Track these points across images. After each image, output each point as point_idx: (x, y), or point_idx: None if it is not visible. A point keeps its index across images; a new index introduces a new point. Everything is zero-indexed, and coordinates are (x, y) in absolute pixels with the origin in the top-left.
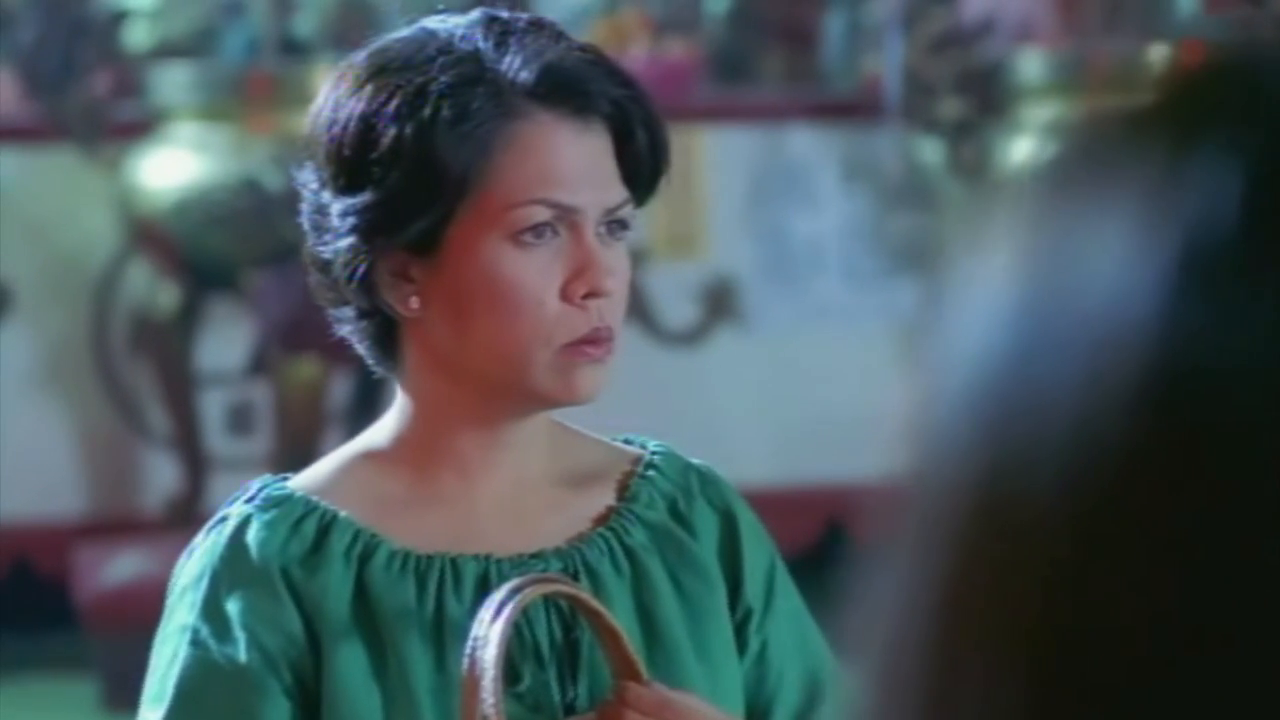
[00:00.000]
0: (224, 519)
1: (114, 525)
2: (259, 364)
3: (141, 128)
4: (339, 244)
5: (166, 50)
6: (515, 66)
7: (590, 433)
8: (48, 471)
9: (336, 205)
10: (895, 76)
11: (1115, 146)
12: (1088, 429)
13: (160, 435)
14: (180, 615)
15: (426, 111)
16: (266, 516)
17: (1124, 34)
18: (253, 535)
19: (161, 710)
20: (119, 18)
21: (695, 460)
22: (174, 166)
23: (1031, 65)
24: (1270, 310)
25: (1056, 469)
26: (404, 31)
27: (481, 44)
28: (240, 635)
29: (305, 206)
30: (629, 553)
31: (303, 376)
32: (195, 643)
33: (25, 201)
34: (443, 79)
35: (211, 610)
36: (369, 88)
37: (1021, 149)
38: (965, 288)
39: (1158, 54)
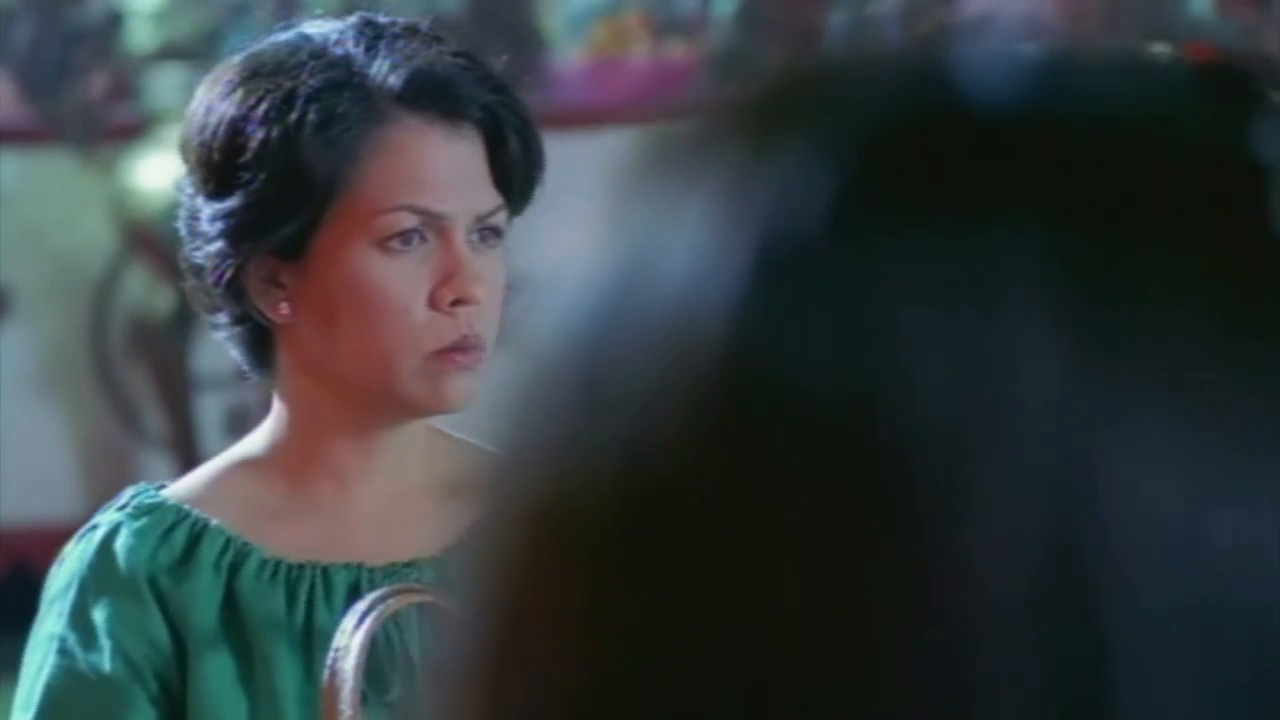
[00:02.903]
0: (94, 527)
1: None
2: None
3: (137, 130)
4: (209, 249)
5: (170, 53)
6: (384, 71)
7: (471, 439)
8: (46, 474)
9: (206, 210)
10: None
11: (706, 139)
12: (650, 433)
13: (157, 438)
14: (49, 624)
15: (294, 116)
16: (136, 525)
17: (1126, 34)
18: (121, 543)
19: (28, 718)
20: (116, 20)
21: None
22: (170, 169)
23: None
24: (843, 323)
25: (614, 475)
26: (281, 35)
27: (352, 49)
28: (106, 644)
29: (182, 212)
30: None
31: None
32: (62, 651)
33: (22, 204)
34: (311, 83)
35: (78, 619)
36: (239, 92)
37: None
38: (561, 268)
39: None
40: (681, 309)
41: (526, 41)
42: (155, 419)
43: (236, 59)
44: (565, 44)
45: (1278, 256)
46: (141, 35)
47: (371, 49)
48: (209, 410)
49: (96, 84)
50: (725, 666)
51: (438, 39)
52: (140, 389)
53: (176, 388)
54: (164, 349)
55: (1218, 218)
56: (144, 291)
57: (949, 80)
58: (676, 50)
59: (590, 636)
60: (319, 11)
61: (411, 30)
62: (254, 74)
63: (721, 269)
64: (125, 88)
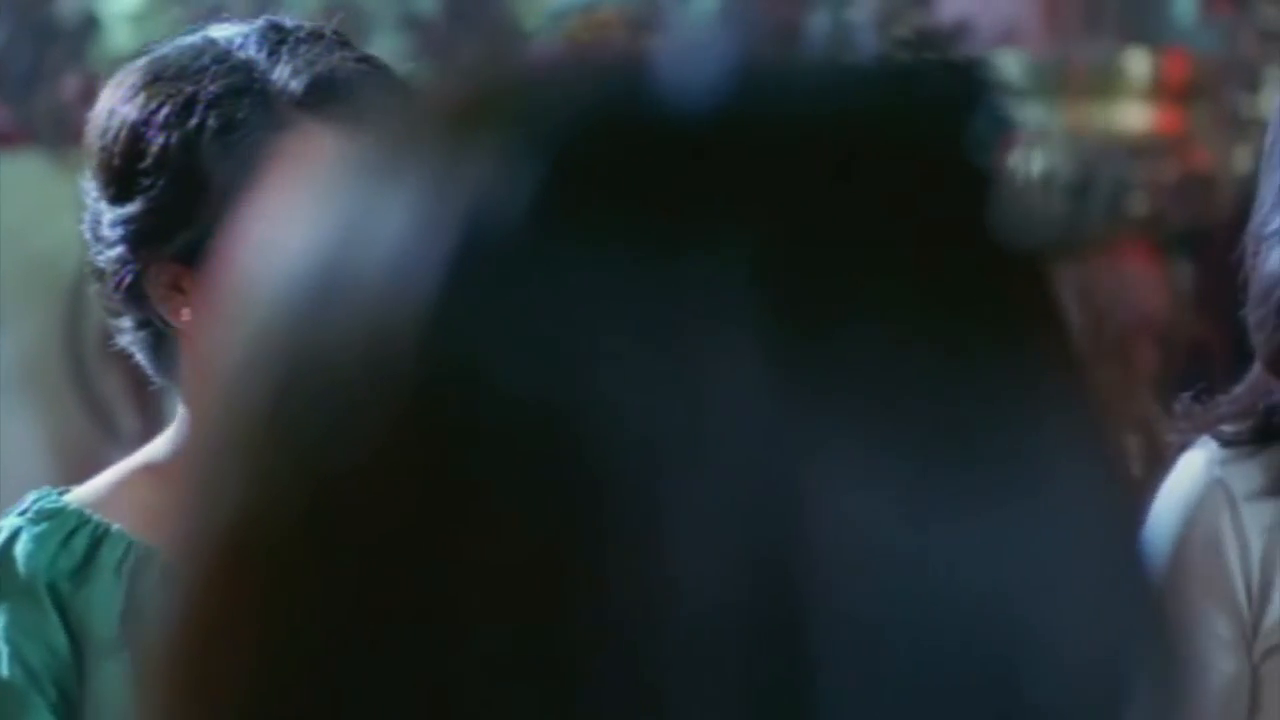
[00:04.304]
0: None
1: None
2: None
3: None
4: (109, 254)
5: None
6: (285, 76)
7: None
8: (20, 474)
9: (108, 215)
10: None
11: (414, 132)
12: (347, 418)
13: (132, 438)
14: None
15: (193, 122)
16: (37, 530)
17: (1106, 38)
18: (21, 548)
19: None
20: (90, 23)
21: None
22: None
23: (1009, 69)
24: (537, 339)
25: (302, 487)
26: (186, 38)
27: (254, 53)
28: (4, 650)
29: (86, 215)
30: None
31: None
32: None
33: None
34: (212, 89)
35: None
36: (141, 96)
37: None
38: (269, 240)
39: (1138, 59)
40: (375, 316)
41: (503, 37)
42: (129, 420)
43: (140, 61)
44: (542, 40)
45: (995, 266)
46: (118, 37)
47: (274, 54)
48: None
49: (70, 86)
50: (409, 693)
51: (343, 44)
52: (115, 390)
53: (151, 389)
54: None
55: (929, 230)
56: None
57: (649, 85)
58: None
59: (264, 662)
60: (291, 13)
61: (317, 35)
62: (156, 78)
63: (417, 274)
64: (99, 90)
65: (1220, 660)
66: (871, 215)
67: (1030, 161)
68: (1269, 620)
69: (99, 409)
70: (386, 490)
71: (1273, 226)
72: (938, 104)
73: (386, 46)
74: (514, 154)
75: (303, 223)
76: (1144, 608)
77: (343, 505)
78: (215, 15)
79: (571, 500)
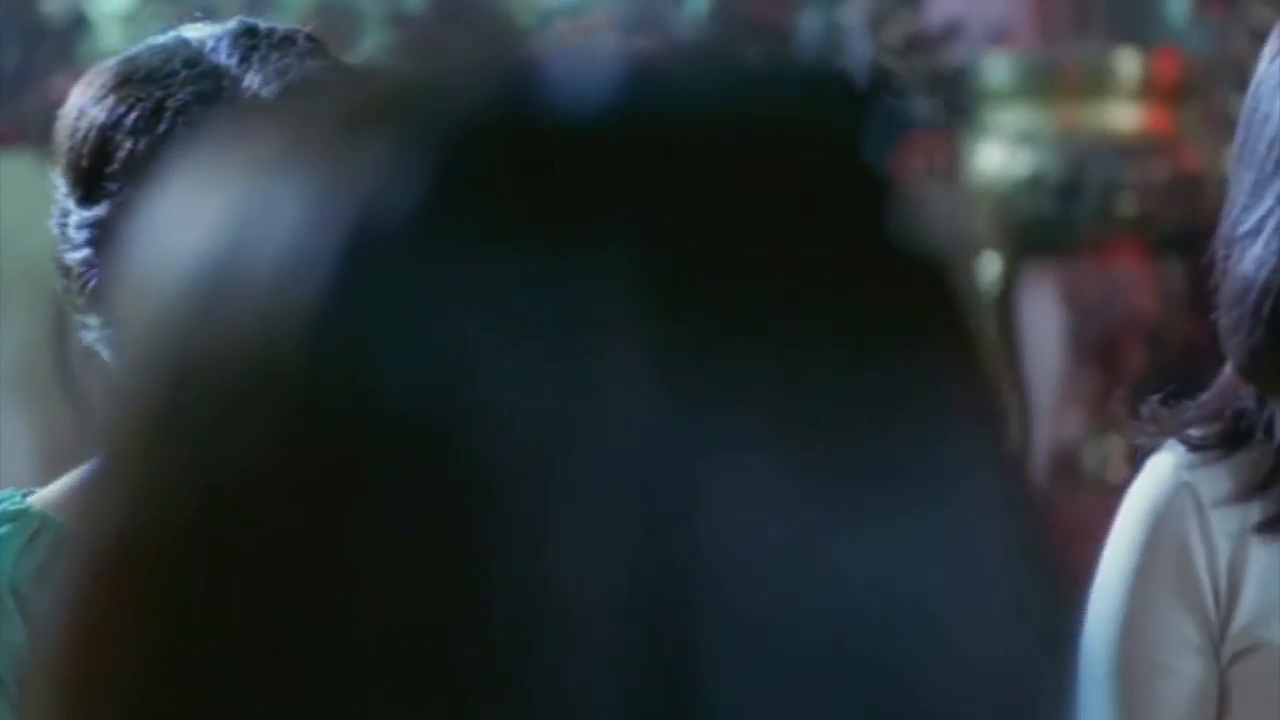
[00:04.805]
0: None
1: None
2: None
3: None
4: (75, 255)
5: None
6: (256, 85)
7: None
8: (8, 472)
9: (75, 216)
10: (861, 79)
11: (309, 128)
12: (234, 420)
13: None
14: None
15: (162, 128)
16: (0, 531)
17: (1096, 38)
18: None
19: None
20: (79, 22)
21: None
22: None
23: (999, 69)
24: (425, 341)
25: (188, 493)
26: (159, 39)
27: (225, 59)
28: None
29: (55, 211)
30: None
31: None
32: None
33: None
34: (181, 95)
35: None
36: (111, 99)
37: (990, 153)
38: (163, 238)
39: (1128, 59)
40: (262, 317)
41: (493, 36)
42: None
43: (111, 62)
44: (532, 40)
45: (894, 272)
46: (109, 37)
47: (245, 60)
48: None
49: (60, 86)
50: (292, 697)
51: (315, 51)
52: (101, 391)
53: None
54: None
55: (824, 234)
56: None
57: (541, 87)
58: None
59: (144, 664)
60: (281, 11)
61: (289, 40)
62: (126, 80)
63: (304, 275)
64: None
65: (1188, 664)
66: (765, 220)
67: (933, 167)
68: (1236, 625)
69: (86, 408)
70: (271, 494)
71: (1245, 227)
72: (834, 108)
73: (375, 43)
74: (403, 154)
75: (196, 221)
76: (1048, 621)
77: (229, 508)
78: (206, 15)
79: (457, 505)
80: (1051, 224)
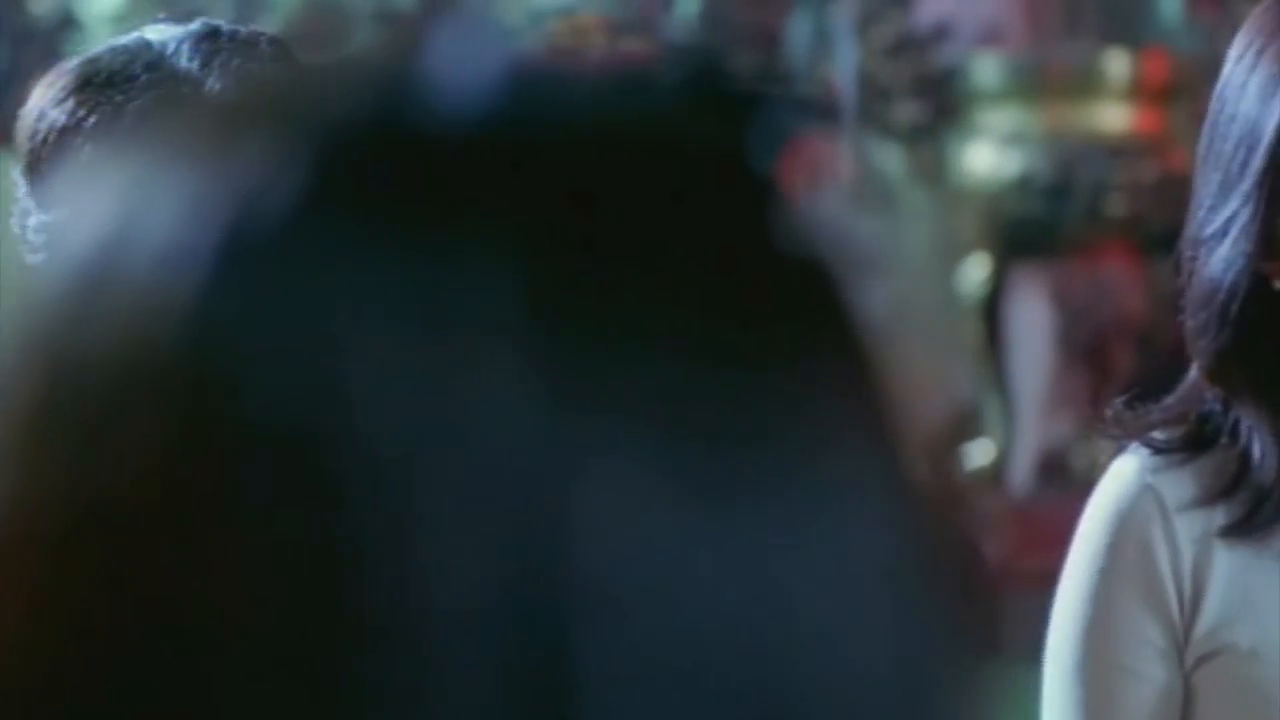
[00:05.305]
0: None
1: None
2: None
3: None
4: (34, 258)
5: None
6: (215, 91)
7: None
8: None
9: (33, 219)
10: (850, 80)
11: (196, 121)
12: (112, 417)
13: None
14: None
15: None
16: None
17: (1086, 39)
18: None
19: None
20: (66, 22)
21: None
22: None
23: (988, 70)
24: (299, 318)
25: (78, 460)
26: (122, 40)
27: (186, 63)
28: None
29: (16, 208)
30: None
31: None
32: None
33: None
34: (140, 100)
35: None
36: (71, 101)
37: (979, 154)
38: (74, 215)
39: (1117, 59)
40: (139, 314)
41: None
42: None
43: (73, 63)
44: (523, 40)
45: (773, 279)
46: (99, 38)
47: (207, 64)
48: None
49: None
50: (174, 692)
51: (278, 55)
52: None
53: None
54: None
55: (706, 240)
56: None
57: (421, 88)
58: (634, 50)
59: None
60: (272, 11)
61: (252, 44)
62: (87, 82)
63: (179, 272)
64: None
65: (1151, 668)
66: (645, 224)
67: (821, 170)
68: (1200, 629)
69: None
70: (147, 491)
71: (1212, 229)
72: (718, 113)
73: (364, 42)
74: (281, 152)
75: (83, 216)
76: (937, 642)
77: (105, 505)
78: (196, 16)
79: (328, 504)
80: (1040, 225)
